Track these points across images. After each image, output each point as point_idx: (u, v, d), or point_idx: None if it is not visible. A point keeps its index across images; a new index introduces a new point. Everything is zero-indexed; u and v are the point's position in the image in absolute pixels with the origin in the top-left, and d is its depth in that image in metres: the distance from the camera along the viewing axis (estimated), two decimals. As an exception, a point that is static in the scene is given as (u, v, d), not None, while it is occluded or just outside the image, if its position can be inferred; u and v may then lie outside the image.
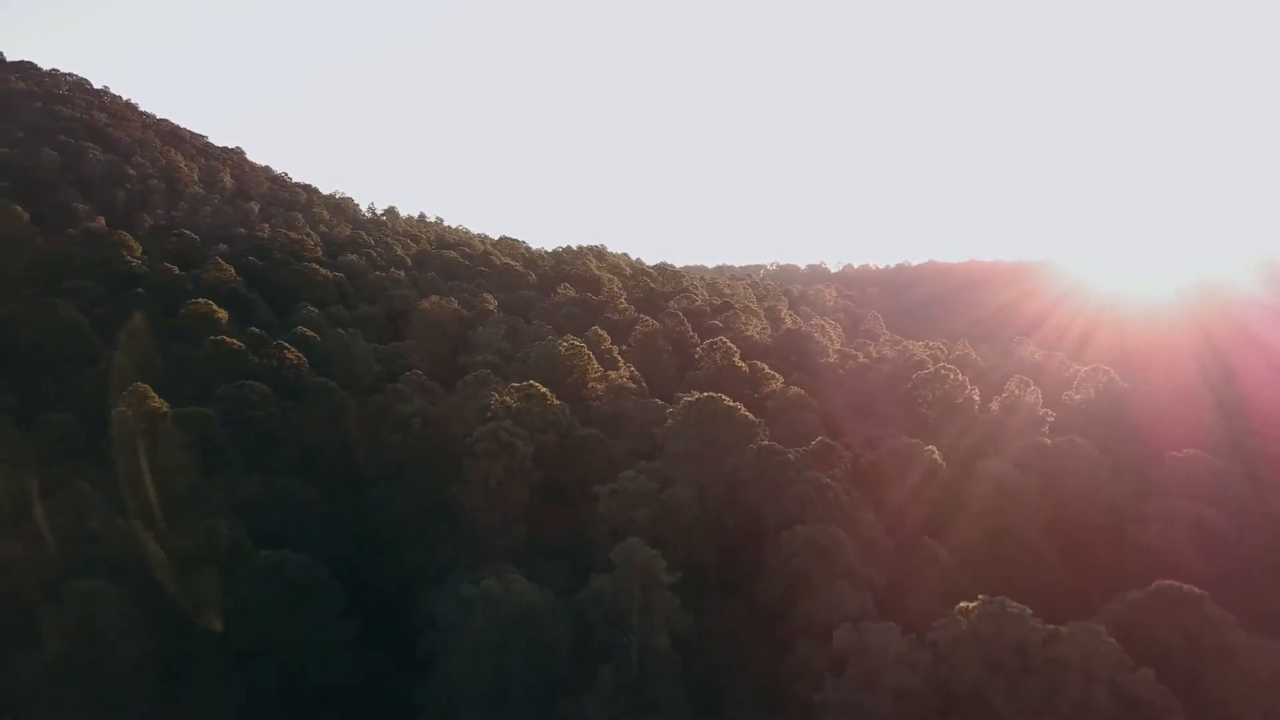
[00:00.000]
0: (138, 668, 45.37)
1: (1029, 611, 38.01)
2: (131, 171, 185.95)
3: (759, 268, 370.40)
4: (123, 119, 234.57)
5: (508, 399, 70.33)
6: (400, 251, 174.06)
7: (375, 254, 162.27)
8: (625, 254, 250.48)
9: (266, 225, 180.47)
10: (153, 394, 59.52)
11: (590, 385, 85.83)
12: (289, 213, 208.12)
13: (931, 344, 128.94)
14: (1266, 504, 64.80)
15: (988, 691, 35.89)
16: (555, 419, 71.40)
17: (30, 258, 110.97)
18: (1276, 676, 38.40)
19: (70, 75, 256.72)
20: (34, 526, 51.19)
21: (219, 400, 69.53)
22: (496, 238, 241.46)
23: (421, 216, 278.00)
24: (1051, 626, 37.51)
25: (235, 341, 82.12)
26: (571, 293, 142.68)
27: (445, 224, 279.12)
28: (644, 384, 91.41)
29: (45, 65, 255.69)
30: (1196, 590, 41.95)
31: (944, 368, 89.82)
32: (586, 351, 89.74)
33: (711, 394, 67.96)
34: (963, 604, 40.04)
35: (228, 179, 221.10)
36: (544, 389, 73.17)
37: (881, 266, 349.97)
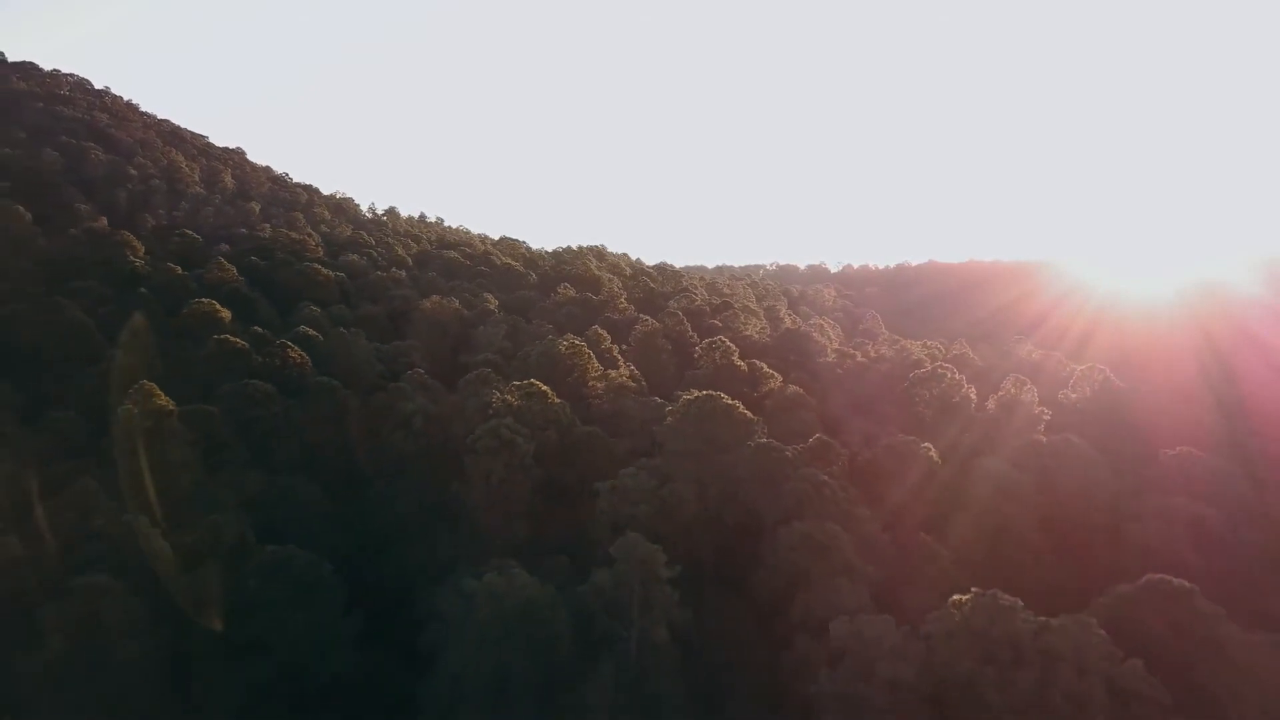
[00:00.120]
0: (142, 663, 45.96)
1: (1021, 604, 38.72)
2: (133, 172, 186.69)
3: (759, 268, 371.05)
4: (124, 119, 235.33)
5: (509, 397, 71.00)
6: (401, 251, 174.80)
7: (376, 254, 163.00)
8: (625, 254, 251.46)
9: (268, 225, 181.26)
10: (158, 392, 60.24)
11: (590, 384, 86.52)
12: (290, 213, 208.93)
13: (929, 343, 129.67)
14: (1267, 504, 65.08)
15: (980, 682, 36.56)
16: (556, 417, 72.08)
17: (33, 258, 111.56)
18: (1265, 668, 39.09)
19: (71, 76, 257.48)
20: (39, 523, 51.90)
21: (223, 398, 70.24)
22: (497, 238, 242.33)
23: (422, 217, 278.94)
24: (1043, 619, 38.21)
25: (239, 340, 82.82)
26: (572, 292, 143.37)
27: (446, 224, 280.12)
28: (644, 383, 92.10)
29: (46, 66, 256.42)
30: (1186, 584, 42.65)
31: (941, 367, 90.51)
32: (587, 351, 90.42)
33: (710, 392, 68.62)
34: (956, 597, 40.76)
35: (229, 179, 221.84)
36: (545, 387, 73.86)
37: (881, 267, 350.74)
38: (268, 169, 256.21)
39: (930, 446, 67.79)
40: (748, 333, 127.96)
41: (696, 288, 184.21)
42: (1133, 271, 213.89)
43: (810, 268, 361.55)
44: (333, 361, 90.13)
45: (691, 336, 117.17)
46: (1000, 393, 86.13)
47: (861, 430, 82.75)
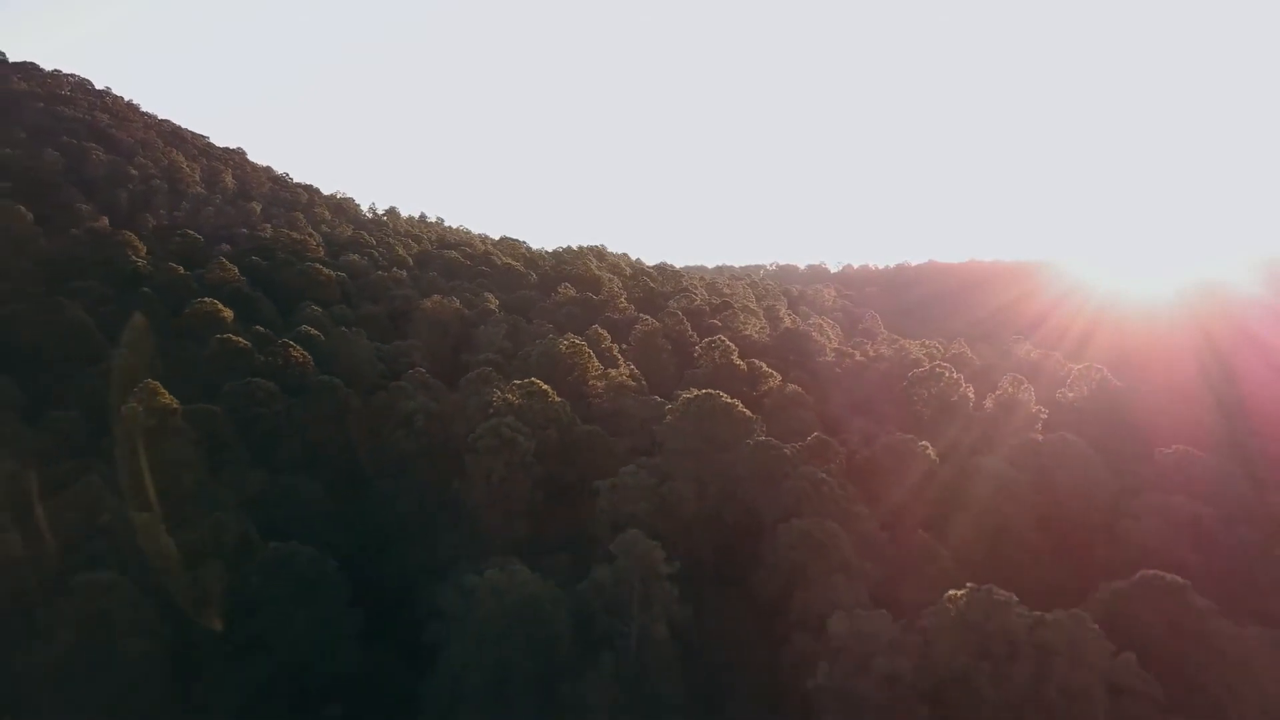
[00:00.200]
0: (146, 660, 46.38)
1: (1015, 599, 39.17)
2: (134, 172, 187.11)
3: (759, 268, 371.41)
4: (125, 120, 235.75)
5: (510, 396, 71.43)
6: (402, 251, 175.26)
7: (377, 254, 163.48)
8: (625, 254, 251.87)
9: (268, 225, 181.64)
10: (162, 390, 60.69)
11: (591, 383, 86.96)
12: (291, 213, 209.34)
13: (927, 343, 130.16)
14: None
15: (975, 676, 37.01)
16: (556, 416, 72.51)
17: (34, 258, 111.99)
18: (1258, 662, 39.56)
19: (72, 76, 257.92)
20: (43, 521, 52.33)
21: (226, 397, 70.69)
22: (497, 238, 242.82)
23: (422, 217, 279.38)
24: (1038, 613, 38.67)
25: (241, 340, 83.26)
26: (572, 292, 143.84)
27: (446, 224, 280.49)
28: (644, 382, 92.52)
29: (46, 66, 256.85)
30: (1180, 580, 43.13)
31: (939, 366, 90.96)
32: (587, 350, 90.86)
33: (710, 391, 69.06)
34: (951, 592, 41.21)
35: (229, 179, 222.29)
36: (545, 386, 74.29)
37: (881, 267, 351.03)
38: (268, 169, 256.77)
39: (928, 445, 68.25)
40: (747, 332, 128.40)
41: (696, 288, 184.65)
42: (1133, 271, 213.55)
43: (810, 268, 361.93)
44: (334, 361, 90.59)
45: (691, 336, 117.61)
46: (998, 392, 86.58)
47: (860, 429, 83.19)
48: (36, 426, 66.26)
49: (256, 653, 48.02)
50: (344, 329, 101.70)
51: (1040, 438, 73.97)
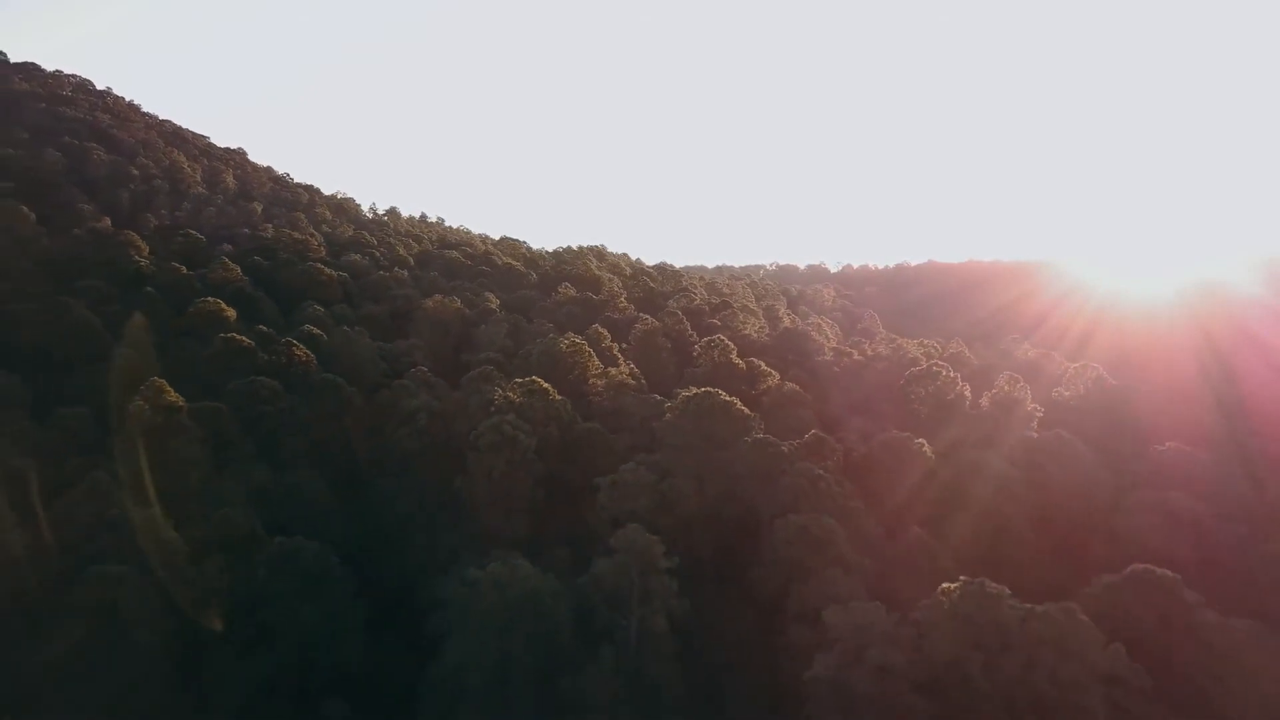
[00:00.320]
0: (155, 651, 47.26)
1: (1007, 592, 40.00)
2: (135, 172, 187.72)
3: (758, 268, 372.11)
4: (126, 120, 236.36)
5: (511, 394, 72.18)
6: (403, 251, 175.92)
7: (378, 254, 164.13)
8: (625, 254, 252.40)
9: (270, 225, 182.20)
10: (168, 388, 61.49)
11: (591, 381, 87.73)
12: (292, 213, 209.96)
13: (925, 342, 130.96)
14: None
15: (968, 667, 37.82)
16: (557, 414, 73.28)
17: (37, 258, 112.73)
18: (1246, 654, 40.37)
19: (73, 76, 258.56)
20: (55, 516, 53.17)
21: (231, 396, 71.48)
22: (497, 238, 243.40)
23: (423, 217, 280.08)
24: (1029, 605, 39.47)
25: (244, 339, 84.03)
26: (572, 292, 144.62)
27: (446, 224, 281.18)
28: (643, 380, 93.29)
29: (47, 66, 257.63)
30: (1170, 574, 43.94)
31: (936, 364, 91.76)
32: (587, 349, 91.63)
33: (709, 389, 69.85)
34: (945, 585, 42.02)
35: (230, 180, 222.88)
36: (546, 385, 75.05)
37: (881, 267, 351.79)
38: (269, 169, 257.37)
39: (924, 442, 69.02)
40: (746, 332, 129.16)
41: (696, 287, 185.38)
42: (1133, 271, 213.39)
43: (810, 268, 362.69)
44: (336, 360, 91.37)
45: (691, 335, 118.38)
46: (994, 390, 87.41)
47: (858, 427, 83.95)
48: (44, 424, 67.01)
49: (262, 646, 48.87)
50: (346, 328, 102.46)
51: (1036, 435, 74.74)
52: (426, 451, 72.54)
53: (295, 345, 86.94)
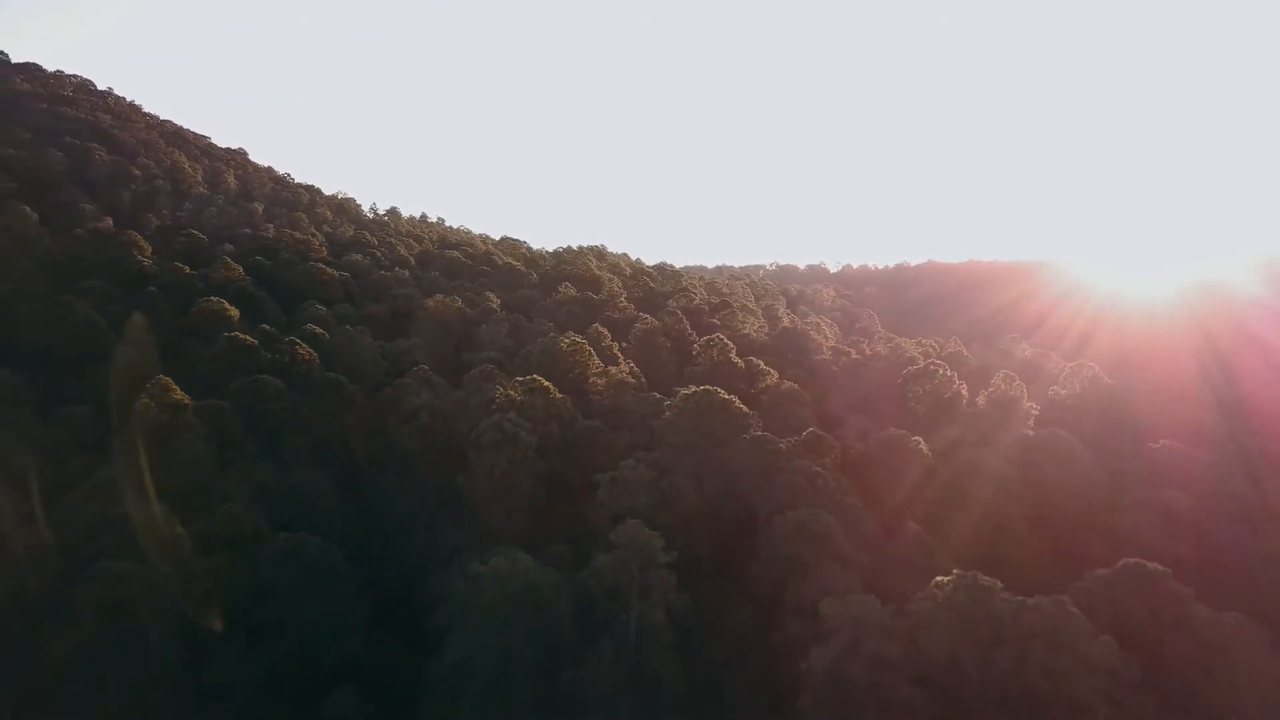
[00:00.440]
0: (164, 644, 47.95)
1: (1000, 585, 40.71)
2: (136, 172, 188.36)
3: (758, 268, 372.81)
4: (127, 120, 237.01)
5: (512, 393, 72.84)
6: (404, 251, 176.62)
7: (379, 254, 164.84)
8: (625, 254, 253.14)
9: (271, 225, 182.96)
10: (174, 386, 62.18)
11: (591, 380, 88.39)
12: (292, 213, 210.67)
13: (924, 341, 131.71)
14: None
15: (962, 659, 38.52)
16: (558, 412, 73.94)
17: (39, 258, 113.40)
18: (1232, 647, 41.08)
19: (75, 77, 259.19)
20: (63, 512, 53.88)
21: (234, 394, 72.16)
22: (498, 238, 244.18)
23: (423, 217, 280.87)
24: (1021, 598, 40.18)
25: (248, 338, 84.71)
26: (572, 292, 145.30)
27: (447, 224, 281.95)
28: (643, 379, 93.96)
29: (47, 66, 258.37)
30: (1160, 568, 44.65)
31: (933, 363, 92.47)
32: (588, 348, 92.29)
33: (708, 387, 70.54)
34: (939, 578, 42.74)
35: (231, 180, 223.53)
36: (547, 383, 75.70)
37: (880, 267, 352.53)
38: (270, 169, 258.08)
39: (921, 440, 69.72)
40: (746, 331, 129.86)
41: (696, 287, 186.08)
42: (1133, 271, 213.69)
43: (810, 268, 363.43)
44: (338, 359, 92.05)
45: (690, 335, 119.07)
46: (990, 389, 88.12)
47: (856, 425, 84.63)
48: (49, 422, 67.68)
49: (267, 640, 49.51)
50: (348, 327, 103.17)
51: (1031, 433, 75.44)
52: (428, 450, 73.20)
53: (298, 344, 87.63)
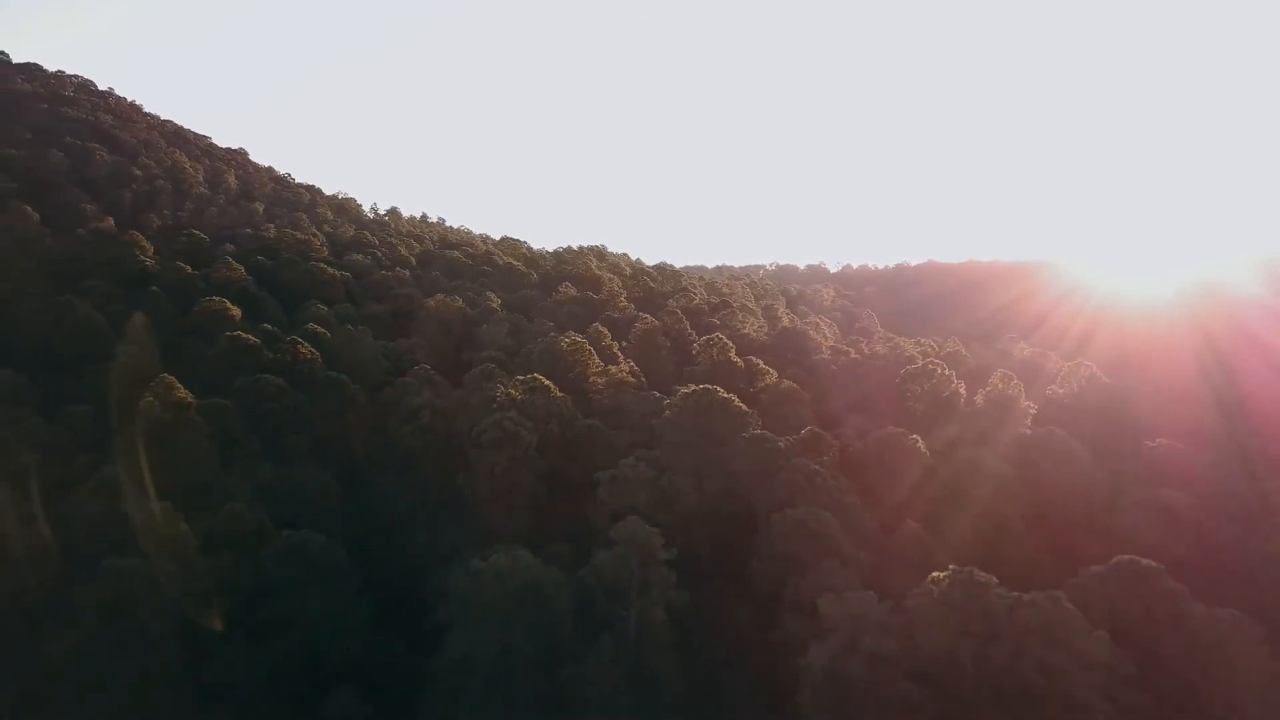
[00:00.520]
0: (166, 641, 48.27)
1: (995, 581, 41.10)
2: (137, 172, 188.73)
3: (758, 268, 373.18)
4: (128, 120, 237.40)
5: (512, 392, 73.23)
6: (404, 251, 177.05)
7: (380, 254, 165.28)
8: (625, 254, 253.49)
9: (272, 225, 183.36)
10: (178, 385, 62.58)
11: (591, 379, 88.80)
12: (293, 213, 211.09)
13: (922, 341, 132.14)
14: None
15: (958, 655, 38.90)
16: (558, 410, 74.32)
17: (40, 258, 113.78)
18: (1227, 643, 41.46)
19: (75, 77, 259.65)
20: (67, 510, 54.27)
21: (237, 393, 72.56)
22: (498, 238, 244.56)
23: (424, 217, 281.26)
24: (1016, 594, 40.57)
25: (250, 337, 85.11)
26: (573, 292, 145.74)
27: (447, 224, 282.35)
28: (643, 379, 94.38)
29: (47, 66, 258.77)
30: (1154, 564, 45.02)
31: (931, 363, 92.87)
32: (588, 347, 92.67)
33: (707, 386, 70.91)
34: (935, 574, 43.13)
35: (232, 180, 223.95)
36: (547, 382, 76.08)
37: (880, 267, 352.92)
38: (270, 169, 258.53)
39: (918, 439, 70.11)
40: (745, 331, 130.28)
41: (695, 287, 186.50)
42: (1133, 271, 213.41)
43: (810, 268, 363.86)
44: (340, 358, 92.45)
45: (690, 334, 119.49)
46: (988, 388, 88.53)
47: (855, 424, 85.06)
48: (53, 422, 68.07)
49: (271, 636, 49.81)
50: (349, 327, 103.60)
51: (1028, 432, 75.82)
52: (429, 448, 73.57)
53: (300, 344, 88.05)
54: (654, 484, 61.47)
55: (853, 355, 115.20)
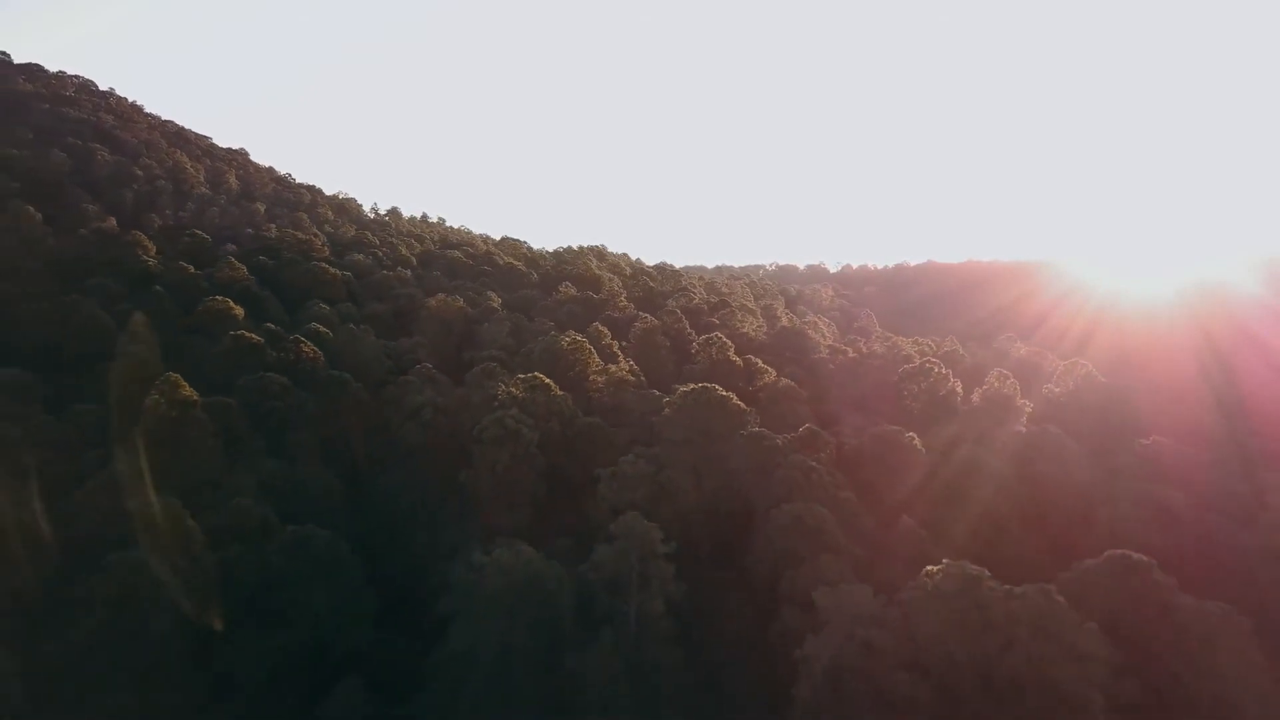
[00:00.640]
0: (173, 635, 49.06)
1: (987, 573, 41.93)
2: (139, 173, 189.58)
3: (758, 268, 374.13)
4: (129, 120, 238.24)
5: (514, 390, 74.06)
6: (405, 251, 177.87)
7: (381, 254, 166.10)
8: (625, 254, 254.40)
9: (273, 226, 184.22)
10: (184, 383, 63.38)
11: (591, 378, 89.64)
12: (294, 213, 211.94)
13: (920, 340, 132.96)
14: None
15: (951, 646, 39.73)
16: (559, 409, 75.15)
17: (44, 258, 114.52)
18: (1215, 636, 42.26)
19: (76, 77, 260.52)
20: (73, 507, 55.12)
21: (241, 391, 73.38)
22: (499, 238, 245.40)
23: (424, 217, 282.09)
24: (1007, 587, 41.41)
25: (254, 336, 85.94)
26: (573, 291, 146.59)
27: (448, 224, 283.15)
28: (643, 377, 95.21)
29: (48, 66, 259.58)
30: (1144, 558, 45.83)
31: (929, 362, 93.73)
32: (588, 346, 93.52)
33: (706, 384, 71.75)
34: (929, 567, 43.98)
35: (233, 180, 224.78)
36: (548, 380, 76.91)
37: (880, 267, 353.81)
38: (271, 169, 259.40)
39: (915, 436, 70.95)
40: (744, 330, 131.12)
41: (695, 287, 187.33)
42: (1133, 271, 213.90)
43: (809, 268, 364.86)
44: (342, 357, 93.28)
45: (689, 334, 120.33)
46: (984, 387, 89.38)
47: (852, 422, 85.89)
48: (61, 419, 68.87)
49: (277, 630, 50.62)
50: (351, 326, 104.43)
51: (1024, 430, 76.67)
52: (431, 446, 74.38)
53: (303, 342, 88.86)
54: (653, 480, 62.30)
55: (851, 354, 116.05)
